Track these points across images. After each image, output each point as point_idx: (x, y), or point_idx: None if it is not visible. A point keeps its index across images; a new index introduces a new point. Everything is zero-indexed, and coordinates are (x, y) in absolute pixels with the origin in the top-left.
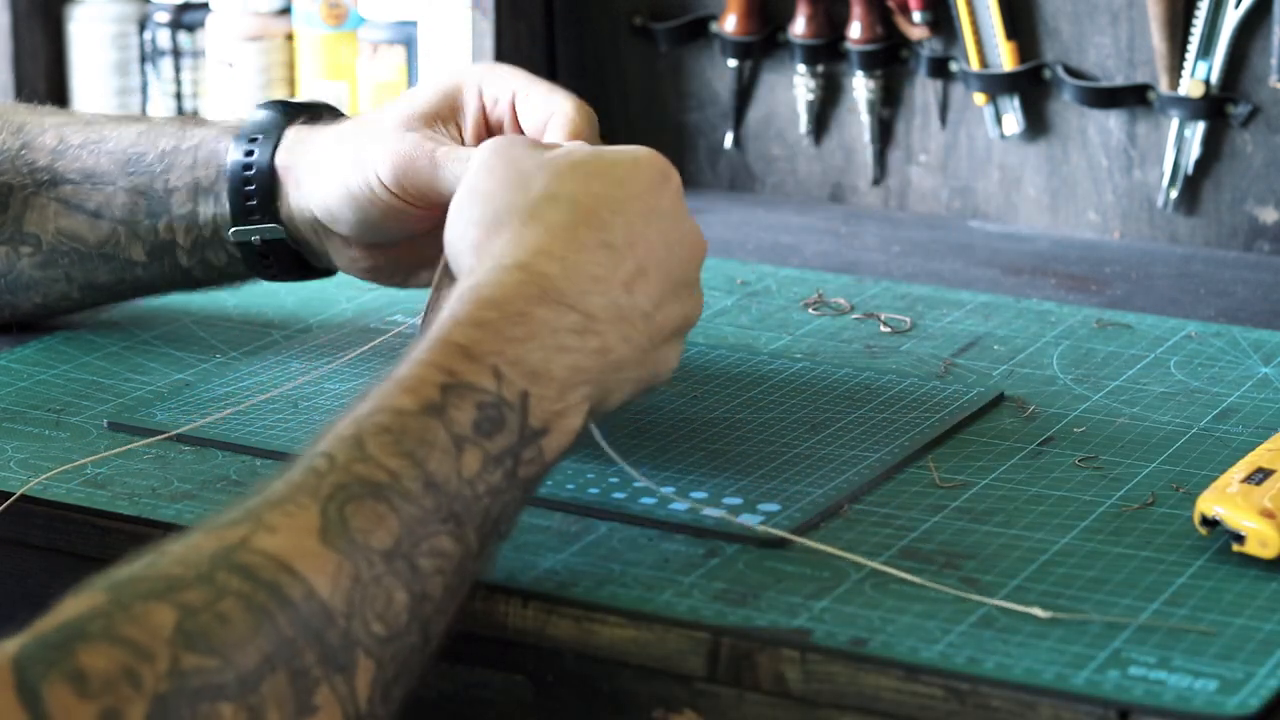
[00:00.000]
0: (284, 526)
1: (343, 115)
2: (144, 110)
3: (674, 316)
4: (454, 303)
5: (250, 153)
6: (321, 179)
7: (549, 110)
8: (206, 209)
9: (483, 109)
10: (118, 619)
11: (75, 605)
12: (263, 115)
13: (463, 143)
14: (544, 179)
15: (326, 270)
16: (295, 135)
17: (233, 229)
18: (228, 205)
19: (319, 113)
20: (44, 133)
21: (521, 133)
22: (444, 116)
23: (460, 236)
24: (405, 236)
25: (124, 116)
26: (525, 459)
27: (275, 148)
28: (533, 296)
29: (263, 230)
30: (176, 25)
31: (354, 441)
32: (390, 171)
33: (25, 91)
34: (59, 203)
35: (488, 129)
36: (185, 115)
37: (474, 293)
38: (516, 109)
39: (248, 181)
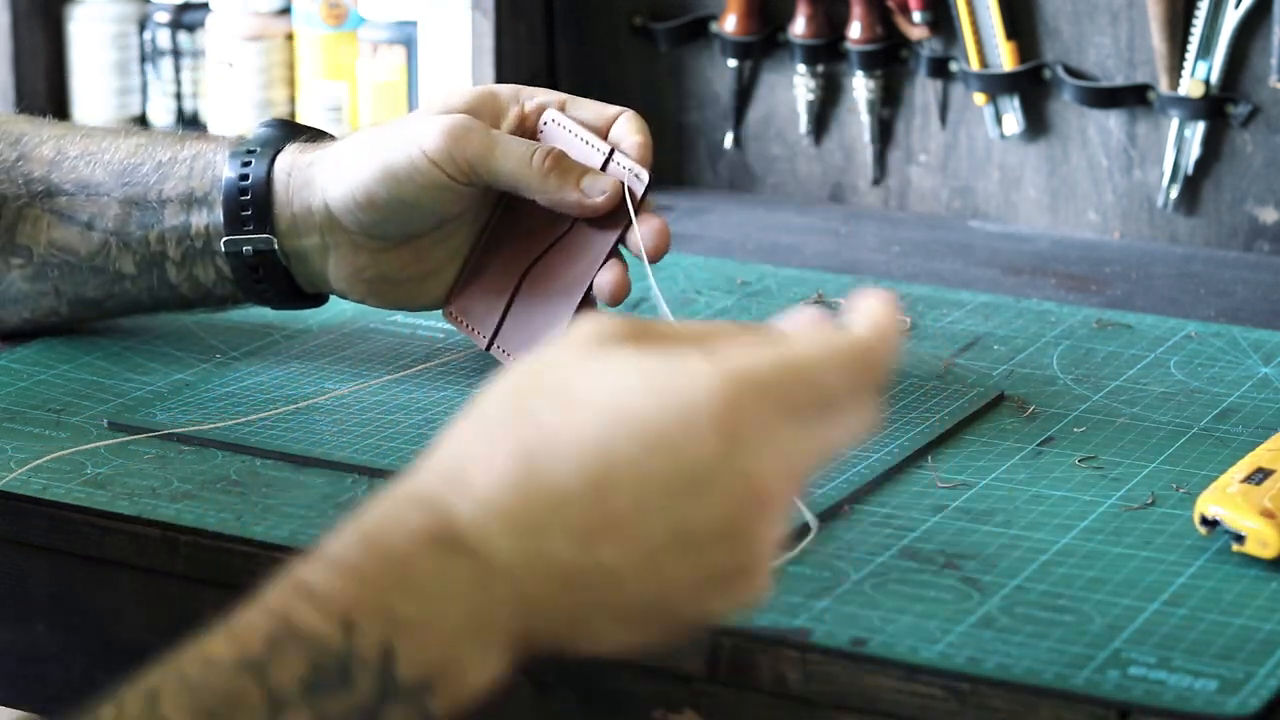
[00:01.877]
0: None
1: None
2: (144, 110)
3: (682, 572)
4: (339, 526)
5: (248, 163)
6: (352, 164)
7: (604, 113)
8: (199, 219)
9: (522, 115)
10: None
11: None
12: (263, 131)
13: None
14: (540, 398)
15: (316, 298)
16: (298, 148)
17: (225, 238)
18: (221, 215)
19: (319, 136)
20: (42, 144)
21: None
22: (482, 116)
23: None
24: (430, 225)
25: (125, 129)
26: (387, 718)
27: (273, 160)
28: (404, 535)
29: (255, 241)
30: (176, 25)
31: (148, 694)
32: (441, 140)
33: (25, 91)
34: (53, 214)
35: (525, 133)
36: (188, 130)
37: (357, 525)
38: (568, 112)
39: (243, 191)
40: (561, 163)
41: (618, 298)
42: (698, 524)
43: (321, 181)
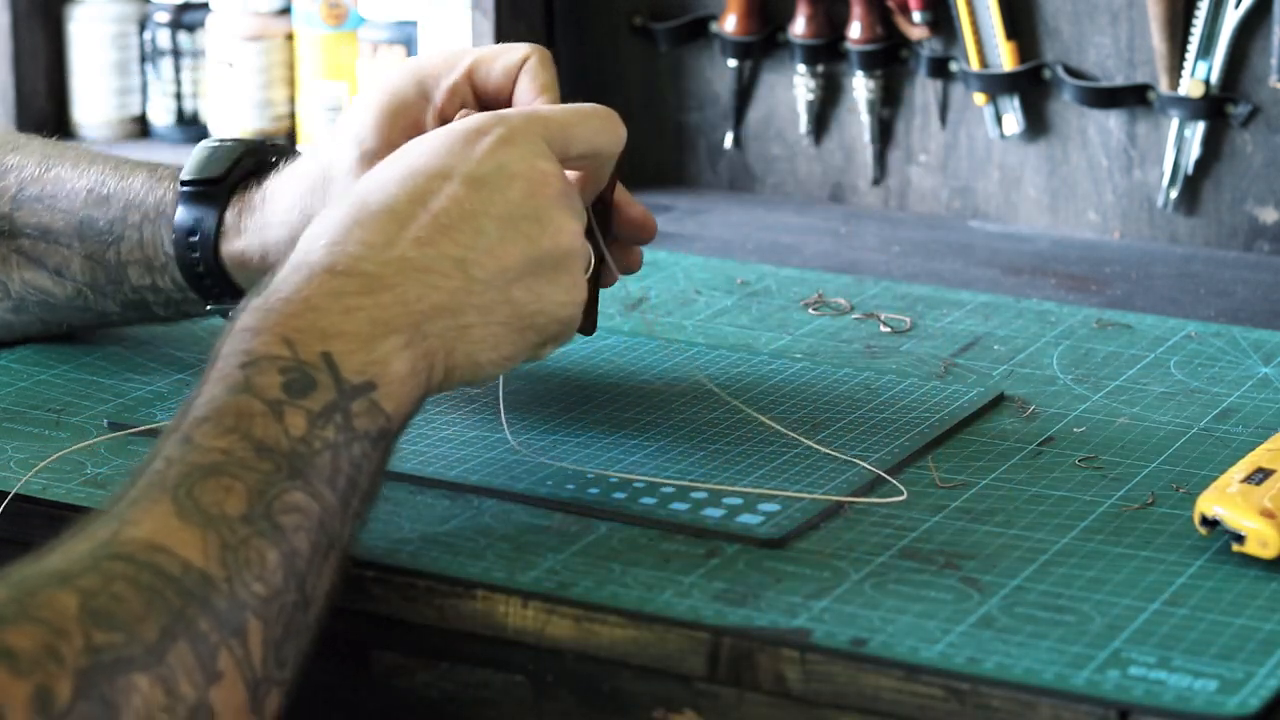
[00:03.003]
0: (144, 518)
1: (278, 149)
2: (144, 110)
3: (515, 254)
4: (240, 312)
5: (193, 247)
6: (284, 221)
7: (509, 63)
8: (165, 282)
9: (440, 114)
10: (28, 604)
11: None
12: (192, 210)
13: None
14: (339, 200)
15: None
16: (236, 216)
17: (209, 306)
18: (188, 287)
19: (254, 165)
20: (4, 176)
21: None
22: (404, 134)
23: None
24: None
25: (80, 155)
26: (356, 411)
27: (217, 235)
28: (301, 281)
29: (233, 305)
30: (176, 25)
31: (182, 439)
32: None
33: (25, 91)
34: (19, 255)
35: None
36: (137, 165)
37: (254, 293)
38: (476, 79)
39: (201, 277)
40: None
41: (633, 267)
42: (507, 209)
43: (271, 240)
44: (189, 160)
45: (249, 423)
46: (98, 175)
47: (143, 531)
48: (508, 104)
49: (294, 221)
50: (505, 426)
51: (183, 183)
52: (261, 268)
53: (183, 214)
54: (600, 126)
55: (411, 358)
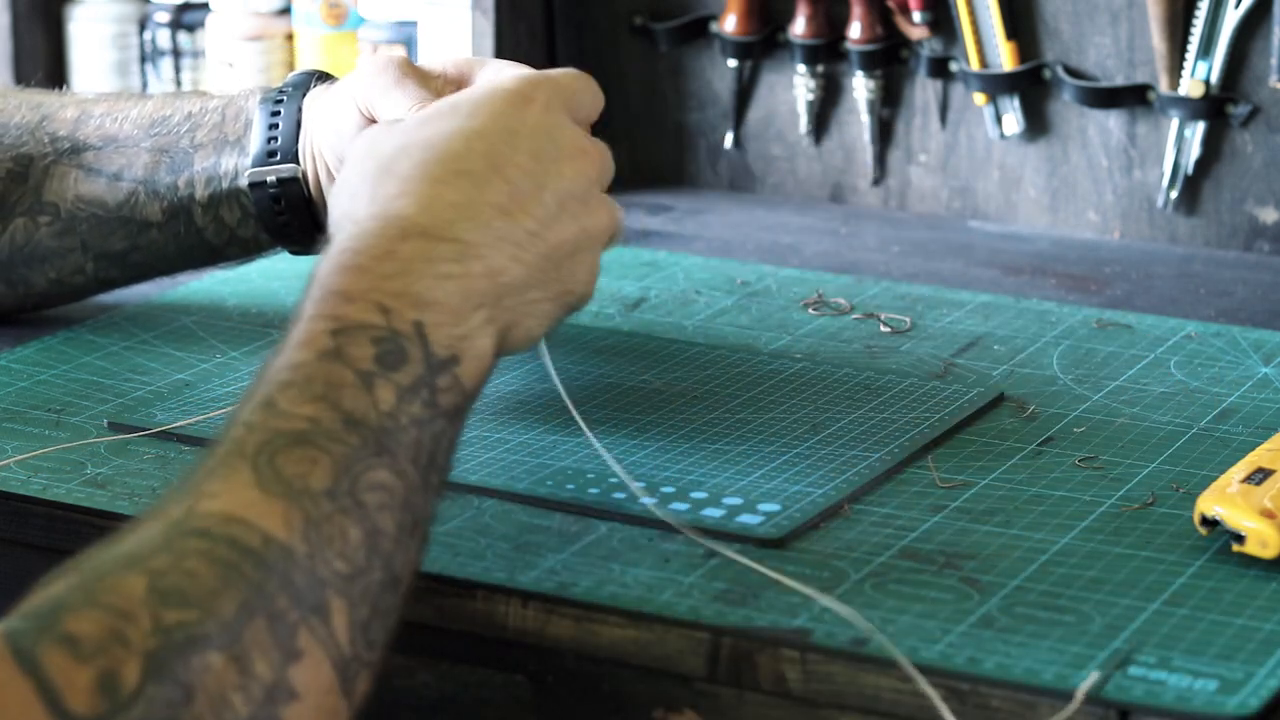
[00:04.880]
0: (222, 490)
1: None
2: None
3: (570, 231)
4: (320, 264)
5: (278, 108)
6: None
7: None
8: (229, 161)
9: None
10: (93, 590)
11: (48, 589)
12: (294, 77)
13: None
14: (393, 138)
15: None
16: (324, 89)
17: (250, 170)
18: (250, 156)
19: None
20: (64, 107)
21: None
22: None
23: (334, 198)
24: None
25: (144, 95)
26: (441, 387)
27: (302, 101)
28: (394, 236)
29: (280, 170)
30: (176, 25)
31: (264, 403)
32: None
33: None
34: (80, 169)
35: None
36: (202, 92)
37: (336, 249)
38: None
39: (272, 127)
40: None
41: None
42: (562, 184)
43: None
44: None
45: (338, 393)
46: (173, 95)
47: (219, 504)
48: None
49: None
50: (562, 392)
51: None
52: (335, 126)
53: (279, 87)
54: (594, 92)
55: (492, 332)
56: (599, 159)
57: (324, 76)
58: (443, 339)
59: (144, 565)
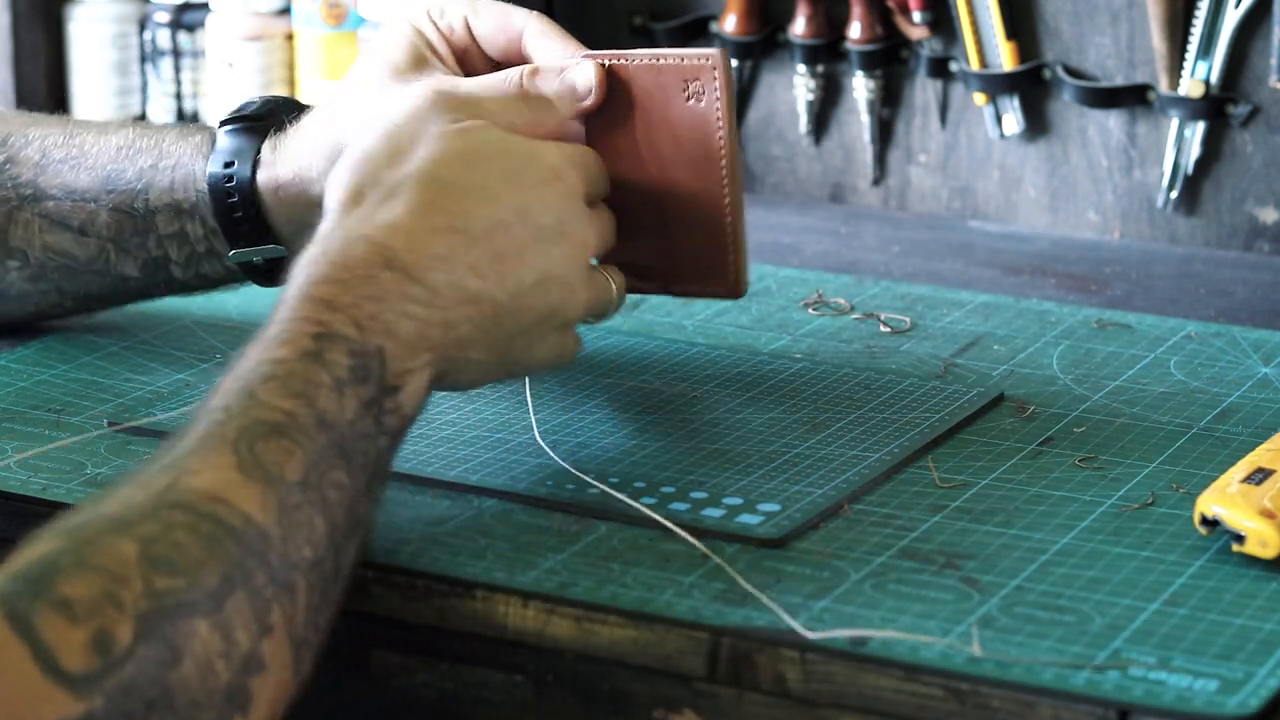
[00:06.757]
0: (205, 468)
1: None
2: (144, 110)
3: (540, 310)
4: (306, 265)
5: (229, 178)
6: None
7: (506, 27)
8: (195, 228)
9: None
10: (84, 553)
11: (35, 548)
12: (230, 136)
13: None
14: (425, 154)
15: None
16: (271, 147)
17: (232, 252)
18: (217, 227)
19: (286, 113)
20: (28, 145)
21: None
22: (422, 68)
23: (332, 188)
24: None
25: (107, 125)
26: (388, 409)
27: (254, 167)
28: (379, 263)
29: (264, 251)
30: (176, 25)
31: (244, 392)
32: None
33: (25, 91)
34: (43, 218)
35: (461, 64)
36: (165, 126)
37: (325, 256)
38: (472, 30)
39: (233, 209)
40: (540, 73)
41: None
42: (548, 265)
43: (313, 175)
44: (228, 111)
45: (315, 392)
46: (126, 136)
47: (203, 482)
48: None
49: (328, 140)
50: (535, 427)
51: (223, 121)
52: (294, 191)
53: (222, 144)
54: (605, 174)
55: (430, 374)
56: (596, 242)
57: (259, 120)
58: (395, 368)
59: (133, 531)
